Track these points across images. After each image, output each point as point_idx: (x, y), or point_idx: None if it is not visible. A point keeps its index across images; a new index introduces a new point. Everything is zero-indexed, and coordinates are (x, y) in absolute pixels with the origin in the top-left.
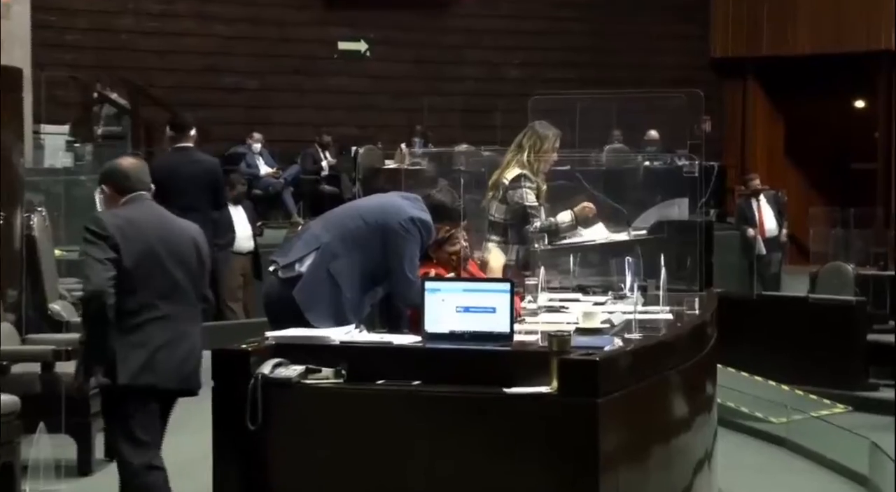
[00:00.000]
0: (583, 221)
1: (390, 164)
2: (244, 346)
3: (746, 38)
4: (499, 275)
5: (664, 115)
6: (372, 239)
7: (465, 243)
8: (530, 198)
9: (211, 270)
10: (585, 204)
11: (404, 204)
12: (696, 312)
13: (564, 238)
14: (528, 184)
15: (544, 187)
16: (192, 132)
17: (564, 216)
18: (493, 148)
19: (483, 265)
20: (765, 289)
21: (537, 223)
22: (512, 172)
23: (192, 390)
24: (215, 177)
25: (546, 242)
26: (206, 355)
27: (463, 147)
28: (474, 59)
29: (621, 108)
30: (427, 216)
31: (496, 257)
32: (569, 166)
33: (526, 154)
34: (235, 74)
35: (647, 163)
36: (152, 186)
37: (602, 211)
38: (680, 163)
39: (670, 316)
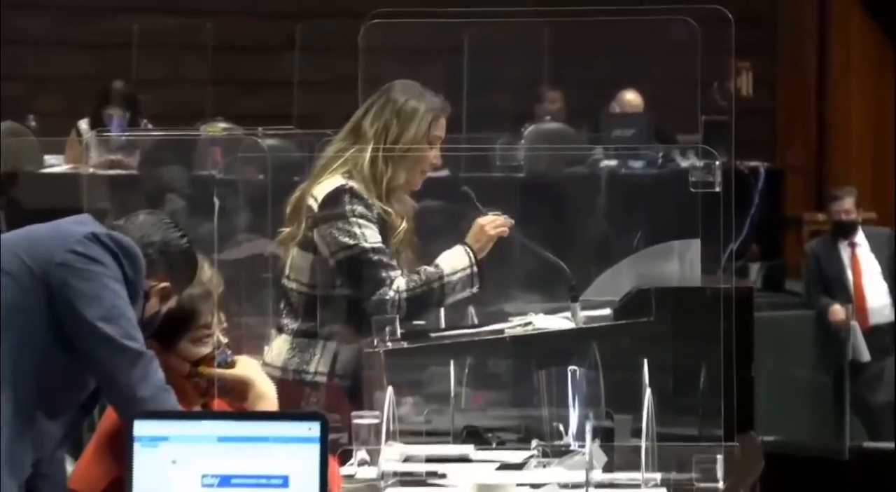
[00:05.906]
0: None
1: (55, 164)
2: None
3: None
4: (273, 406)
5: (654, 60)
6: (27, 304)
7: (223, 339)
8: (369, 235)
9: None
10: (487, 221)
11: (73, 224)
12: (720, 485)
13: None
14: (359, 207)
15: (402, 224)
16: None
17: (456, 261)
18: (284, 129)
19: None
20: (871, 436)
21: (399, 283)
22: (327, 184)
23: None
24: None
25: (394, 331)
26: None
27: (220, 127)
28: None
29: (560, 43)
30: (124, 237)
31: (256, 372)
32: (447, 170)
33: (368, 152)
34: None
35: (614, 163)
36: None
37: (518, 267)
38: (684, 163)
39: None
